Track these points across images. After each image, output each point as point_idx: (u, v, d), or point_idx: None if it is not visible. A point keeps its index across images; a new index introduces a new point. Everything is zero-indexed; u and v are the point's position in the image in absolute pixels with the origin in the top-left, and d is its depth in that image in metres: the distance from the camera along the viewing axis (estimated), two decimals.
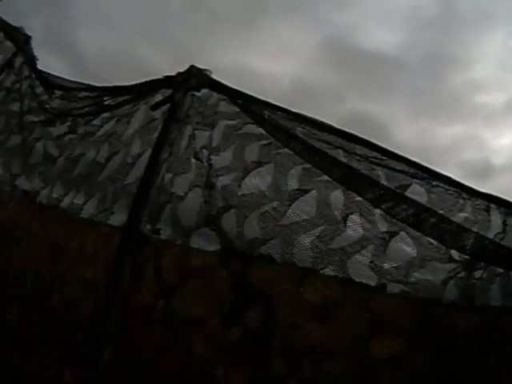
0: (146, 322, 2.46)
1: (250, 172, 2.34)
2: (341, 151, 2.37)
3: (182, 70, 2.87)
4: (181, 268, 2.40)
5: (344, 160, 2.33)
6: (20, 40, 4.08)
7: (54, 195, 3.11)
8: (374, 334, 1.94)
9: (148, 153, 2.73)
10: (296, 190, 2.27)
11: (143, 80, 2.95)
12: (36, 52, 3.87)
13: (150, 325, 2.45)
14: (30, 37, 4.04)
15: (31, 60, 3.81)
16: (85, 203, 2.92)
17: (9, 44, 4.22)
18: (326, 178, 2.26)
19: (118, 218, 2.81)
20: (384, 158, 2.25)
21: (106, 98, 3.03)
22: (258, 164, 2.36)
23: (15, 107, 3.60)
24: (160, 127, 2.76)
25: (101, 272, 2.73)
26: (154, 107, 2.85)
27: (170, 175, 2.53)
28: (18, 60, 4.01)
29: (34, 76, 3.68)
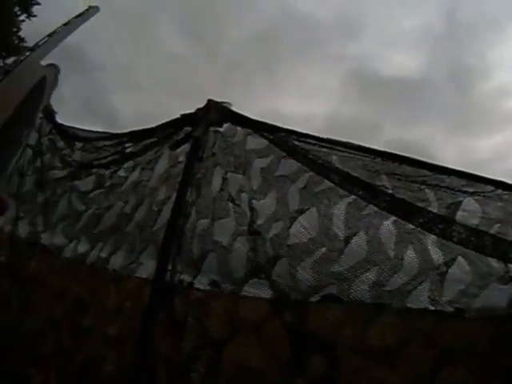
0: (189, 381, 2.28)
1: (295, 219, 2.21)
2: (384, 176, 2.21)
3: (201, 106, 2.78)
4: (229, 320, 2.23)
5: (388, 185, 2.17)
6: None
7: (80, 250, 2.99)
8: (441, 367, 1.78)
9: (174, 197, 2.60)
10: (346, 235, 2.11)
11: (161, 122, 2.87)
12: (71, 120, 3.87)
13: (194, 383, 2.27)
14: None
15: (50, 115, 3.79)
16: (111, 256, 2.79)
17: None
18: (373, 208, 2.11)
19: (146, 269, 2.68)
20: (430, 174, 2.09)
21: (127, 146, 2.94)
22: (302, 211, 2.23)
23: (39, 164, 3.55)
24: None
25: (130, 327, 2.60)
26: (174, 146, 2.74)
27: (206, 221, 2.38)
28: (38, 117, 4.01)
29: (54, 131, 3.65)
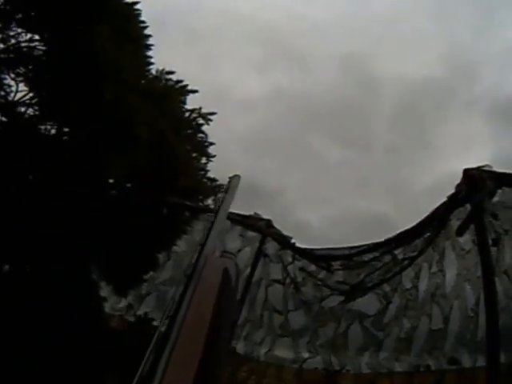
0: None
1: None
2: None
3: (458, 182, 2.45)
4: None
5: None
6: (261, 225, 4.22)
7: None
8: None
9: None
10: None
11: (425, 215, 2.58)
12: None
13: None
14: (270, 220, 4.17)
15: (288, 242, 3.81)
16: None
17: (251, 234, 4.37)
18: None
19: None
20: None
21: (396, 252, 2.70)
22: None
23: (296, 295, 3.50)
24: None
25: None
26: (460, 231, 2.40)
27: None
28: (269, 246, 4.09)
29: (297, 257, 3.64)
